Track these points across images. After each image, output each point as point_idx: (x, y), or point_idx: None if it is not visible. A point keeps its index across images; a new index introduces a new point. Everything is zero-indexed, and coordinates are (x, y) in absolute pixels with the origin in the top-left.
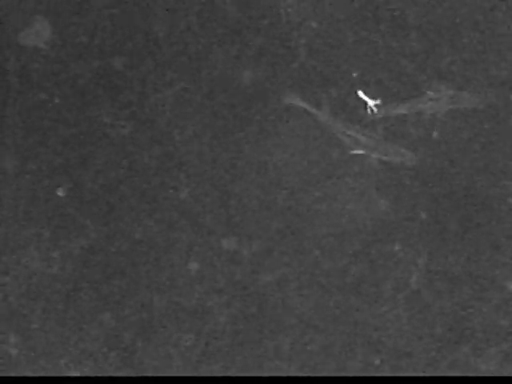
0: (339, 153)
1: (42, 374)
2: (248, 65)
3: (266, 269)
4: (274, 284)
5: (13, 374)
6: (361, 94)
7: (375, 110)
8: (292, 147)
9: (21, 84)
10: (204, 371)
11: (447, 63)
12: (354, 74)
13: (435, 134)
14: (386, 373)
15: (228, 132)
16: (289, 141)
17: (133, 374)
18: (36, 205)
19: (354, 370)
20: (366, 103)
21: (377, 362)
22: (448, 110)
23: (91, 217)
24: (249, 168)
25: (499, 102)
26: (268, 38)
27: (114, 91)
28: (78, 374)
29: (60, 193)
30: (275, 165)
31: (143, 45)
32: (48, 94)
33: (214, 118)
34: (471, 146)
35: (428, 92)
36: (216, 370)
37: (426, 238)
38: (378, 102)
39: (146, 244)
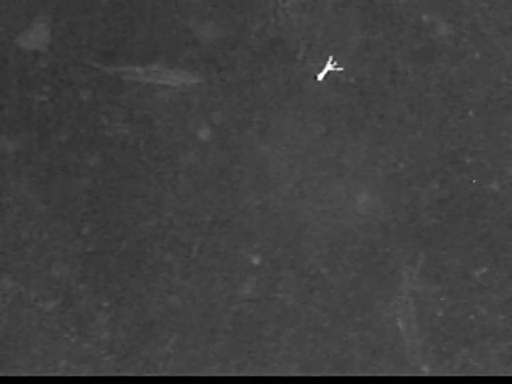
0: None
1: (41, 374)
2: (248, 65)
3: (265, 269)
4: (273, 284)
5: (13, 374)
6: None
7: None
8: (293, 148)
9: (20, 86)
10: (204, 371)
11: None
12: None
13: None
14: (386, 373)
15: (228, 132)
16: (290, 141)
17: (133, 374)
18: (35, 205)
19: (353, 370)
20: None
21: (376, 362)
22: None
23: (90, 217)
24: (249, 168)
25: None
26: (268, 38)
27: (112, 93)
28: (77, 375)
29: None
30: (275, 165)
31: (143, 46)
32: (47, 96)
33: (214, 118)
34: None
35: None
36: (216, 370)
37: (424, 238)
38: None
39: (144, 244)
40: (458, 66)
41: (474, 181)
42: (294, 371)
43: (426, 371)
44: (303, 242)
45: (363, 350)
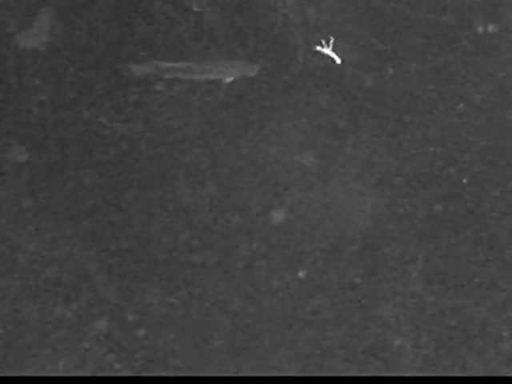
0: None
1: (42, 374)
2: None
3: (265, 269)
4: (273, 284)
5: (13, 374)
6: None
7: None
8: (294, 147)
9: (20, 85)
10: (204, 371)
11: None
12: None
13: None
14: (386, 373)
15: (228, 132)
16: (290, 141)
17: (132, 374)
18: (35, 205)
19: (353, 370)
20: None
21: (376, 361)
22: None
23: (90, 217)
24: (249, 168)
25: None
26: (267, 38)
27: (111, 92)
28: (77, 374)
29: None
30: (275, 164)
31: (142, 45)
32: (47, 95)
33: (213, 117)
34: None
35: None
36: (215, 370)
37: (423, 238)
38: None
39: (144, 244)
40: (457, 62)
41: (464, 180)
42: (294, 371)
43: (425, 371)
44: (302, 242)
45: (363, 350)
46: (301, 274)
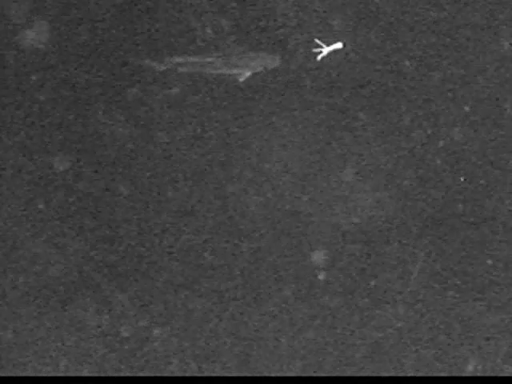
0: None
1: (42, 374)
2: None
3: (264, 268)
4: (272, 284)
5: (13, 374)
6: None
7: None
8: (290, 145)
9: (19, 85)
10: (204, 371)
11: None
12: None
13: None
14: (386, 373)
15: (227, 132)
16: (288, 139)
17: (133, 374)
18: (35, 205)
19: (353, 370)
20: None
21: (376, 362)
22: None
23: (90, 217)
24: (247, 168)
25: None
26: (267, 37)
27: (111, 92)
28: (77, 375)
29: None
30: (276, 163)
31: (142, 45)
32: (46, 95)
33: (213, 117)
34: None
35: None
36: (216, 370)
37: (424, 237)
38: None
39: (144, 244)
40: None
41: (461, 179)
42: (294, 371)
43: (425, 371)
44: (303, 242)
45: (363, 350)
46: (320, 277)
